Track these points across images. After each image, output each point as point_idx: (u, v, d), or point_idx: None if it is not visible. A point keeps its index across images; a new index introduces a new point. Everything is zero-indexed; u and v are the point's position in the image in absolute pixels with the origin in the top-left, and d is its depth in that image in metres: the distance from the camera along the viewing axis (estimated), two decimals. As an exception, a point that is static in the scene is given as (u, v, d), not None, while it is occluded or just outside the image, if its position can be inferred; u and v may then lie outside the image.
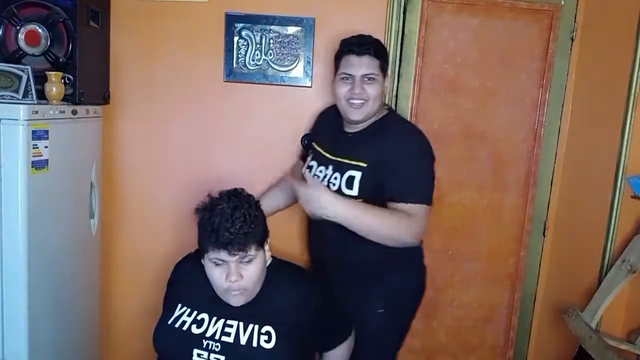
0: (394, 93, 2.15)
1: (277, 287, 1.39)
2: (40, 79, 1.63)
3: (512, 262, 2.30)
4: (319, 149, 1.75)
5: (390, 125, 1.64)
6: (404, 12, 2.10)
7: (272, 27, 2.08)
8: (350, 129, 1.68)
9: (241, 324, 1.34)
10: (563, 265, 2.20)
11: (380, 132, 1.62)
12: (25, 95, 1.56)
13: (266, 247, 1.39)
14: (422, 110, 2.18)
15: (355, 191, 1.54)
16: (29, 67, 1.59)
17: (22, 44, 1.69)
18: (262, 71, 2.11)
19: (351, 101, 1.59)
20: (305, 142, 2.11)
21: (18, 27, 1.68)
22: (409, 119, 2.17)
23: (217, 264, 1.30)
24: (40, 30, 1.68)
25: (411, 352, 2.35)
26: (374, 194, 1.52)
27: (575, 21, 2.13)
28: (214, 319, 1.36)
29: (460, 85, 2.17)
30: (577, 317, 1.82)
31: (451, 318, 2.34)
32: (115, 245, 2.23)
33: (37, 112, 1.52)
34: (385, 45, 2.08)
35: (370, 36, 1.64)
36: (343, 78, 1.60)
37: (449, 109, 2.19)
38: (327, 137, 1.75)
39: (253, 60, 2.10)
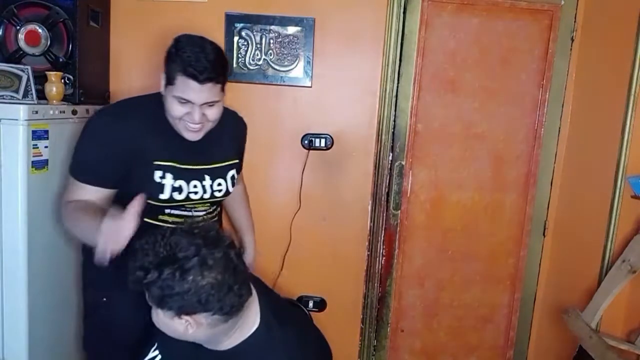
0: (394, 93, 2.15)
1: None
2: (40, 79, 1.64)
3: (512, 262, 2.30)
4: (172, 164, 1.44)
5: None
6: (404, 12, 2.10)
7: (272, 27, 2.08)
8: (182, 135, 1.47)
9: None
10: (563, 265, 2.20)
11: (219, 125, 1.50)
12: (25, 95, 1.56)
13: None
14: (422, 110, 2.18)
15: (235, 185, 1.61)
16: (29, 67, 1.59)
17: (22, 44, 1.69)
18: (262, 71, 2.11)
19: (188, 124, 1.39)
20: (306, 142, 2.11)
21: (18, 27, 1.68)
22: (409, 119, 2.18)
23: None
24: (40, 30, 1.68)
25: (411, 352, 2.36)
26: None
27: (575, 21, 2.13)
28: None
29: (460, 85, 2.17)
30: (577, 317, 1.82)
31: (451, 318, 2.34)
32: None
33: (37, 112, 1.52)
34: (385, 45, 2.10)
35: (210, 48, 1.36)
36: (180, 101, 1.36)
37: (449, 109, 2.19)
38: (169, 146, 1.44)
39: (253, 60, 2.10)
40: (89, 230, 1.26)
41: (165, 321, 1.08)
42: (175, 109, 1.37)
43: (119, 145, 1.39)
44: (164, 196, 1.43)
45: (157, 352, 1.26)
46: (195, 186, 1.47)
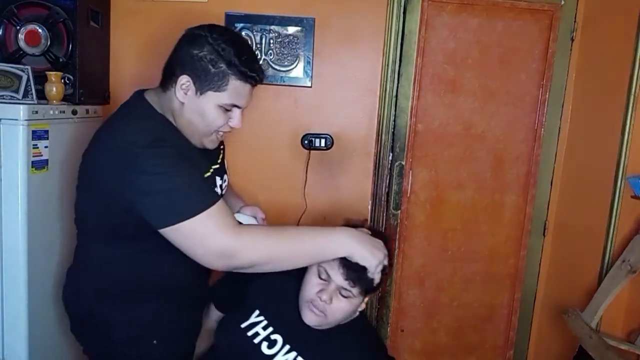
0: (394, 93, 2.15)
1: (353, 352, 1.30)
2: (40, 79, 1.63)
3: (512, 262, 2.30)
4: (208, 174, 1.34)
5: None
6: (404, 12, 2.10)
7: (272, 27, 2.08)
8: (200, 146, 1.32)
9: None
10: (563, 265, 2.20)
11: None
12: (25, 95, 1.56)
13: (365, 299, 1.33)
14: (422, 110, 2.18)
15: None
16: (29, 67, 1.59)
17: (22, 44, 1.68)
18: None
19: (220, 131, 1.29)
20: (306, 142, 2.11)
21: (18, 27, 1.68)
22: (409, 119, 2.18)
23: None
24: (40, 30, 1.68)
25: (411, 352, 2.36)
26: None
27: (575, 21, 2.13)
28: (287, 347, 1.27)
29: (460, 85, 2.17)
30: (577, 317, 1.82)
31: (451, 318, 2.34)
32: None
33: (37, 112, 1.52)
34: (385, 45, 2.10)
35: (247, 42, 1.28)
36: (225, 109, 1.23)
37: (449, 109, 2.19)
38: (199, 157, 1.32)
39: (253, 60, 2.10)
40: (326, 238, 1.27)
41: (355, 302, 1.28)
42: (217, 119, 1.23)
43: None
44: None
45: (261, 317, 1.33)
46: (220, 184, 1.39)
